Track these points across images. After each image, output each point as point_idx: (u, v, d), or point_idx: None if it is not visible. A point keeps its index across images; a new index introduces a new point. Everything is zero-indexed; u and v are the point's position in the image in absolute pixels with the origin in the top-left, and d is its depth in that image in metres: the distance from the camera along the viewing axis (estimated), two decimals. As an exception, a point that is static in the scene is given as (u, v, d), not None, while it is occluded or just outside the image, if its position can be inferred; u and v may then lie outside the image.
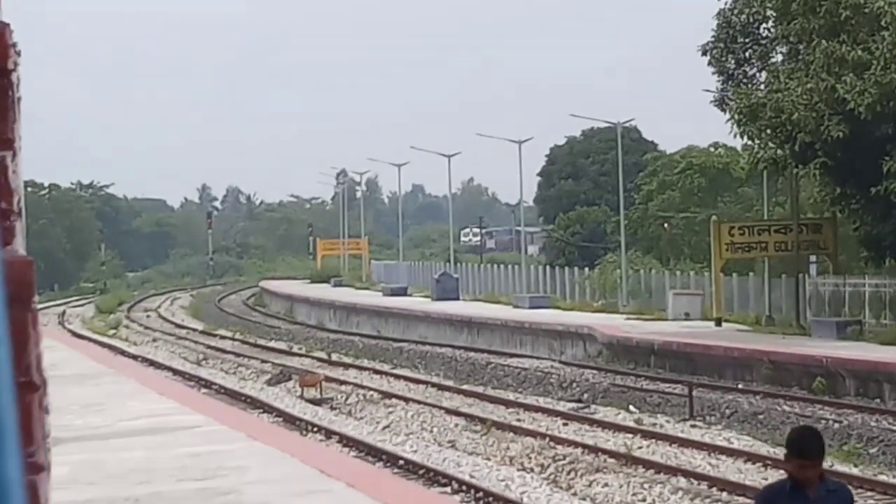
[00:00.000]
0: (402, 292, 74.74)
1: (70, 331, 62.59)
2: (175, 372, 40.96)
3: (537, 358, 43.78)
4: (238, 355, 47.69)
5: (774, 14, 40.01)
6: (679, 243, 68.70)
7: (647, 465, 22.04)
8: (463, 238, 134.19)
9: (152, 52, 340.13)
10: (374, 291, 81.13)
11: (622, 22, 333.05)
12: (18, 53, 2.03)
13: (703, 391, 32.15)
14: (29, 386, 2.00)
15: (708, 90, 43.17)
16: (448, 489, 20.44)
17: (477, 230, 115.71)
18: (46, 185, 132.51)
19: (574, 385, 36.14)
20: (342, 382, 36.40)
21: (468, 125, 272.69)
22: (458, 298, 66.22)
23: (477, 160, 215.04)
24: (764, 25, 41.66)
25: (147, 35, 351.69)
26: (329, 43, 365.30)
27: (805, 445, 6.54)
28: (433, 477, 21.34)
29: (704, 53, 42.01)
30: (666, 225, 70.65)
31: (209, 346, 52.23)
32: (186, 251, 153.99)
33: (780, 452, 23.82)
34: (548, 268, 70.09)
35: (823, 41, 36.73)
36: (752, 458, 22.92)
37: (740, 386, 33.70)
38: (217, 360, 46.33)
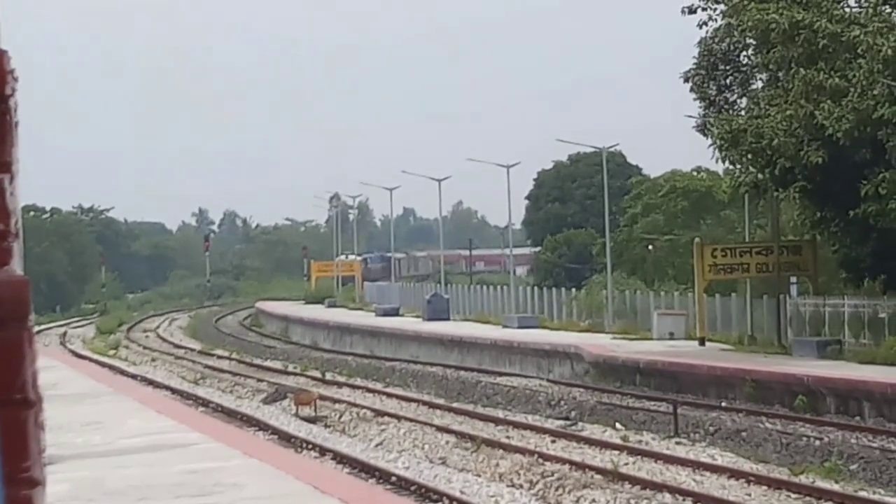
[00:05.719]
0: (395, 313, 75.12)
1: (71, 351, 62.72)
2: (173, 391, 41.17)
3: (526, 377, 43.94)
4: (235, 374, 47.81)
5: (754, 42, 40.20)
6: (663, 265, 69.08)
7: (634, 481, 22.12)
8: None
9: (150, 73, 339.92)
10: (366, 312, 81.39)
11: (608, 48, 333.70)
12: (16, 79, 2.07)
13: (688, 409, 32.42)
14: (24, 403, 2.03)
15: (690, 116, 43.71)
16: (440, 504, 20.96)
17: (353, 256, 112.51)
18: (48, 209, 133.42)
19: (562, 403, 36.32)
20: (336, 401, 36.52)
21: (457, 150, 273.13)
22: (448, 319, 66.55)
23: (466, 184, 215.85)
24: (744, 53, 41.96)
25: (147, 57, 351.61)
26: (321, 67, 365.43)
27: None
28: (425, 493, 21.49)
29: (686, 80, 42.52)
30: (650, 247, 71.10)
31: (207, 366, 52.38)
32: (184, 273, 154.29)
33: (762, 469, 24.20)
34: (536, 289, 70.68)
35: (802, 69, 37.01)
36: (735, 474, 23.03)
37: (724, 404, 33.86)
38: (214, 380, 46.42)
